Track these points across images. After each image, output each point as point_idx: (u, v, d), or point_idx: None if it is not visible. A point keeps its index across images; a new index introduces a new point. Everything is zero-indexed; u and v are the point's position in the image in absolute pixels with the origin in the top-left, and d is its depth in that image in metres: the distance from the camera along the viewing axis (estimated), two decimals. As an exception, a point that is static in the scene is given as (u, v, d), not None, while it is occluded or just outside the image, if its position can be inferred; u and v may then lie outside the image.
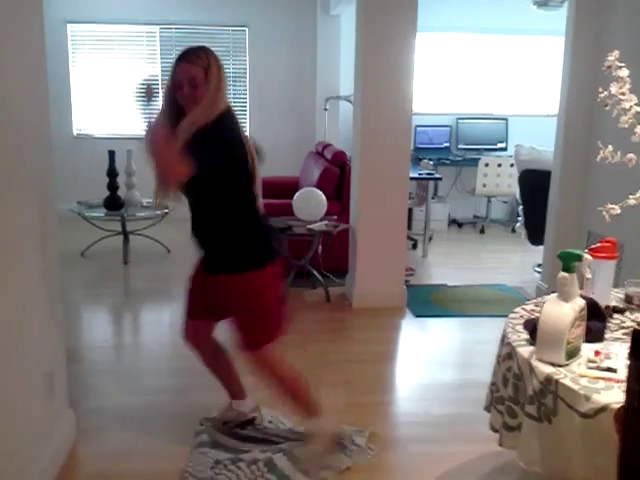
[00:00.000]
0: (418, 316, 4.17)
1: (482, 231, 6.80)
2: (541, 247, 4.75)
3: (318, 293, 4.53)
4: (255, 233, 2.36)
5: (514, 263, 5.53)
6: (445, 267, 5.51)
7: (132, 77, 6.97)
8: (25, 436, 2.13)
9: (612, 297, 2.20)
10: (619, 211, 2.04)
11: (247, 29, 6.97)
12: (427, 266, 5.52)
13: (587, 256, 1.93)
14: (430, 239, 5.98)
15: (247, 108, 7.05)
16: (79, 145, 6.89)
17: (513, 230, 6.67)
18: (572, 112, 4.21)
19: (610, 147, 2.08)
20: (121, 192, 5.45)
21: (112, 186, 5.39)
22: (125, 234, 5.45)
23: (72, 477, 2.38)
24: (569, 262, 1.77)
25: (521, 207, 5.26)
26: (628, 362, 1.24)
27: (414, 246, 5.93)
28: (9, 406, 2.00)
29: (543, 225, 4.61)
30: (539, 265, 4.89)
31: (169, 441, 2.63)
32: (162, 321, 4.31)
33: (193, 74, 2.20)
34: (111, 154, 5.41)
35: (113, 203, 5.38)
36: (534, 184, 4.98)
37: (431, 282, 4.99)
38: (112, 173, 5.39)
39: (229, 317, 2.38)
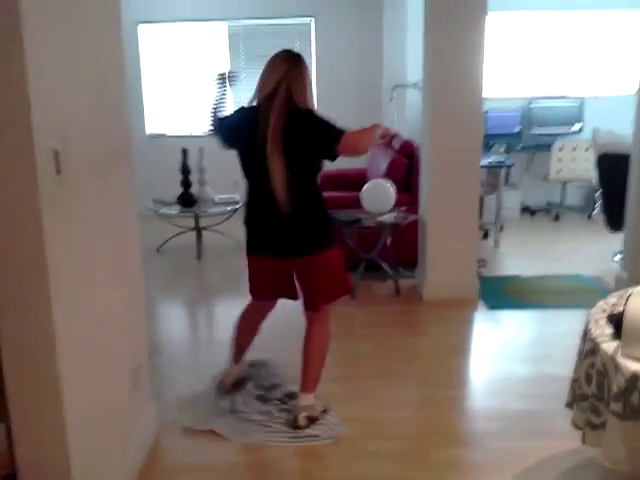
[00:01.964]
0: (492, 308, 4.09)
1: (556, 218, 6.58)
2: (620, 234, 4.56)
3: (388, 286, 4.51)
4: (327, 213, 2.71)
5: (591, 252, 5.32)
6: (518, 257, 5.37)
7: (201, 74, 7.11)
8: (113, 429, 2.23)
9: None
10: None
11: (313, 19, 6.98)
12: (499, 256, 5.40)
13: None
14: (502, 228, 5.84)
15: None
16: (152, 144, 7.10)
17: (589, 217, 6.43)
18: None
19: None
20: (194, 189, 5.60)
21: (185, 183, 5.54)
22: (198, 230, 5.59)
23: (156, 468, 2.48)
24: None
25: (599, 192, 5.06)
26: None
27: (485, 236, 5.81)
28: (98, 400, 2.09)
29: (623, 211, 4.41)
30: (618, 253, 4.70)
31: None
32: (235, 314, 4.39)
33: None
34: (184, 152, 5.56)
35: (186, 200, 5.54)
36: (613, 168, 4.78)
37: (504, 273, 4.88)
38: (185, 171, 5.54)
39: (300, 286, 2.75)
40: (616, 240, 4.71)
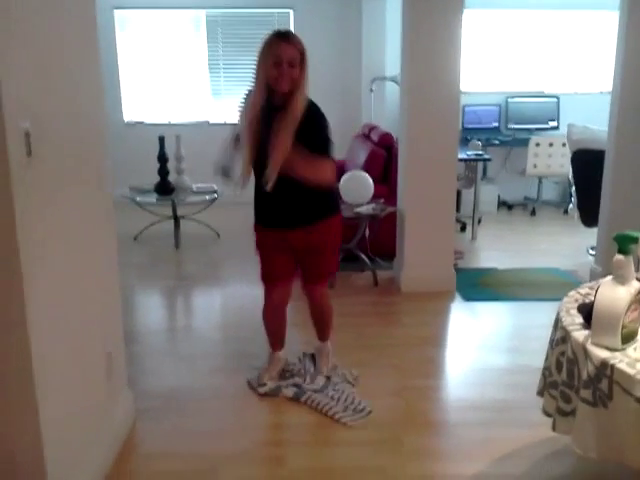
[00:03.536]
0: (468, 300, 4.14)
1: (533, 213, 6.66)
2: (594, 229, 4.63)
3: (366, 277, 4.54)
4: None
5: (567, 246, 5.40)
6: (495, 250, 5.43)
7: (179, 61, 7.05)
8: (87, 414, 2.22)
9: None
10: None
11: (292, 11, 6.96)
12: (476, 249, 5.46)
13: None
14: (479, 221, 5.89)
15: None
16: (129, 132, 7.03)
17: (565, 212, 6.52)
18: (627, 89, 4.07)
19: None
20: (171, 177, 5.56)
21: (162, 172, 5.50)
22: (176, 219, 5.56)
23: (132, 456, 2.47)
24: (625, 244, 1.73)
25: (574, 188, 5.12)
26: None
27: (463, 229, 5.87)
28: (72, 386, 2.08)
29: (597, 206, 4.48)
30: (593, 248, 4.77)
31: (224, 421, 2.71)
32: (214, 304, 4.40)
33: (293, 55, 2.44)
34: (161, 140, 5.52)
35: (164, 188, 5.50)
36: (587, 164, 4.84)
37: (481, 265, 4.93)
38: (162, 159, 5.50)
39: (305, 262, 2.83)
40: (591, 235, 4.79)
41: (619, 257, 1.73)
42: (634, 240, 1.76)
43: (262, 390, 2.91)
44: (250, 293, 4.29)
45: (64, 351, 2.02)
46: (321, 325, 3.08)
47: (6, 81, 1.60)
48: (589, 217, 4.82)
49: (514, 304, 4.11)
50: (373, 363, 3.23)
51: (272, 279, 2.87)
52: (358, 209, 4.40)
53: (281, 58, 2.43)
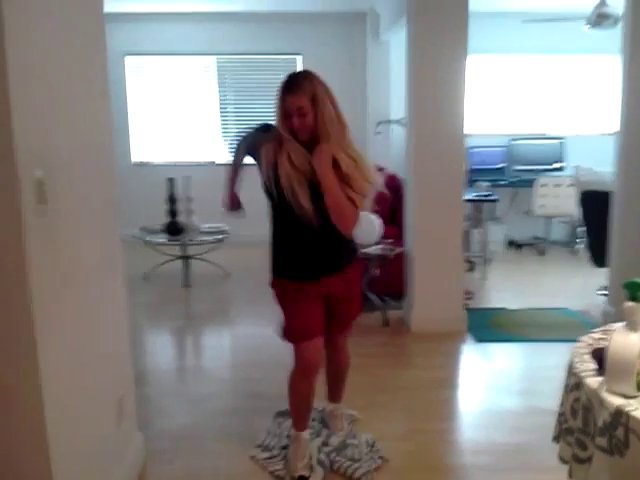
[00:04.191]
0: (479, 341, 4.12)
1: (542, 253, 6.66)
2: (605, 269, 4.63)
3: (376, 317, 4.53)
4: None
5: (576, 286, 5.39)
6: (505, 290, 5.42)
7: (189, 105, 7.20)
8: (97, 459, 2.21)
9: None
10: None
11: (300, 56, 7.13)
12: (486, 289, 5.45)
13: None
14: (489, 262, 5.90)
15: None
16: (138, 173, 7.14)
17: (575, 251, 6.52)
18: (631, 131, 4.12)
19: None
20: (180, 218, 5.61)
21: (172, 212, 5.56)
22: (185, 258, 5.60)
23: (142, 499, 2.46)
24: (635, 291, 1.74)
25: (584, 229, 5.14)
26: None
27: (472, 269, 5.87)
28: (83, 431, 2.08)
29: (606, 247, 4.49)
30: (602, 288, 4.76)
31: (234, 462, 2.69)
32: (223, 343, 4.40)
33: (300, 104, 2.31)
34: (170, 181, 5.59)
35: (173, 228, 5.55)
36: (596, 205, 4.87)
37: (491, 305, 4.92)
38: (172, 199, 5.57)
39: (339, 310, 2.63)
40: (600, 274, 4.78)
41: (630, 304, 1.74)
42: (643, 286, 1.77)
43: None
44: (259, 332, 4.32)
45: (75, 398, 2.02)
46: (338, 381, 2.87)
47: (19, 129, 1.63)
48: (600, 257, 4.82)
49: (525, 345, 4.09)
50: (385, 405, 3.20)
51: (310, 334, 2.47)
52: (367, 250, 4.43)
53: (289, 111, 2.32)
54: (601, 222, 4.61)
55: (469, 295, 4.81)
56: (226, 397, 3.39)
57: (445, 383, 3.52)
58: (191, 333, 4.54)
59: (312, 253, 2.45)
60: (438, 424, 3.02)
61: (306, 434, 2.65)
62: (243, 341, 4.35)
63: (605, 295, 4.59)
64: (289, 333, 2.51)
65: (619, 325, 1.77)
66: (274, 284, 2.54)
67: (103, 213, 2.35)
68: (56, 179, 1.86)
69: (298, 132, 2.34)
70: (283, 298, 2.51)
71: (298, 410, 2.62)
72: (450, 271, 4.29)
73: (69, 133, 2.02)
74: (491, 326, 4.41)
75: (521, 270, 6.08)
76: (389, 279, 4.68)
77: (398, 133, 6.24)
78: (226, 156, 7.20)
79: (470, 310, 4.52)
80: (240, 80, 7.21)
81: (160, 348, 4.30)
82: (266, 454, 2.72)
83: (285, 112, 2.33)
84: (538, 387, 3.41)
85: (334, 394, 2.91)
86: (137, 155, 7.27)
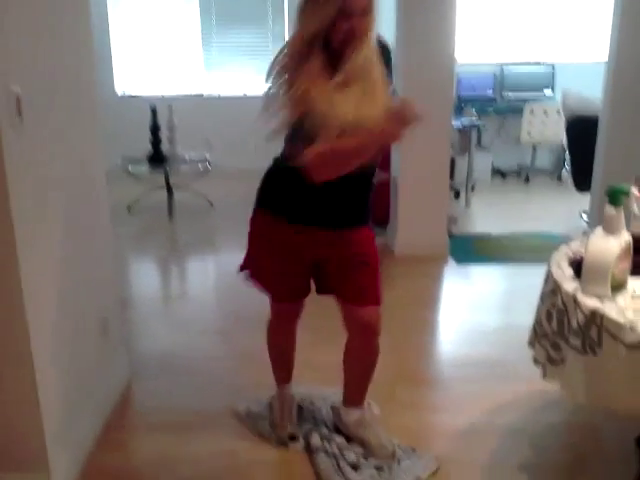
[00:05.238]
0: (461, 263, 4.16)
1: (527, 180, 6.66)
2: (587, 195, 4.65)
3: (360, 243, 4.55)
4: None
5: (560, 211, 5.42)
6: (488, 217, 5.44)
7: (171, 34, 6.98)
8: (82, 375, 2.24)
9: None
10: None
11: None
12: (470, 216, 5.48)
13: (635, 192, 1.89)
14: (473, 189, 5.90)
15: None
16: (121, 103, 6.97)
17: (559, 178, 6.54)
18: (622, 56, 4.07)
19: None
20: (163, 147, 5.53)
21: (155, 141, 5.47)
22: (169, 188, 5.54)
23: (128, 411, 2.52)
24: (616, 196, 1.75)
25: (568, 154, 5.13)
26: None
27: (457, 196, 5.87)
28: (67, 347, 2.10)
29: (590, 172, 4.49)
30: (585, 212, 4.80)
31: (218, 381, 2.74)
32: (208, 271, 4.42)
33: (365, 1, 1.79)
34: (153, 110, 5.47)
35: (156, 157, 5.47)
36: (582, 131, 4.84)
37: (474, 231, 4.95)
38: (155, 128, 5.46)
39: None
40: (584, 200, 4.80)
41: (610, 209, 1.75)
42: (625, 193, 1.78)
43: (294, 445, 2.27)
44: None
45: (59, 315, 2.04)
46: (354, 377, 2.27)
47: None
48: (582, 182, 4.83)
49: (507, 267, 4.14)
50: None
51: (295, 295, 2.20)
52: (352, 175, 4.40)
53: (351, 9, 1.75)
54: (586, 147, 4.60)
55: (453, 221, 4.83)
56: (212, 319, 3.43)
57: (426, 303, 3.58)
58: (176, 261, 4.54)
59: (325, 197, 1.96)
60: (418, 339, 3.08)
61: (289, 387, 2.40)
62: (228, 269, 4.32)
63: (587, 221, 4.63)
64: (273, 288, 2.17)
65: (598, 229, 1.79)
66: (260, 220, 2.06)
67: (85, 140, 2.31)
68: (34, 99, 1.83)
69: (350, 37, 1.78)
70: (272, 244, 2.06)
71: (275, 361, 2.38)
72: (435, 197, 4.29)
73: (49, 56, 1.97)
74: (473, 250, 4.45)
75: (505, 197, 6.10)
76: (374, 206, 4.66)
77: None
78: (211, 88, 7.05)
79: (453, 235, 4.55)
80: (224, 8, 6.94)
81: (145, 276, 4.31)
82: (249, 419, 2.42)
83: (343, 10, 1.74)
84: (518, 305, 3.47)
85: (347, 393, 2.29)
86: (121, 86, 7.08)
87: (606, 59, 4.24)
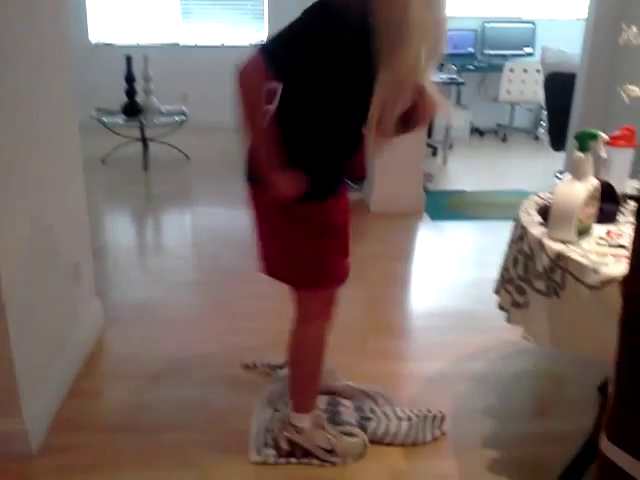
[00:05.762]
0: (436, 219, 4.19)
1: (504, 139, 6.68)
2: (563, 154, 4.68)
3: (336, 198, 4.55)
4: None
5: (536, 170, 5.45)
6: (465, 174, 5.46)
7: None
8: (55, 320, 2.24)
9: (628, 186, 2.18)
10: (640, 94, 1.99)
11: None
12: (446, 173, 5.49)
13: (603, 135, 1.91)
14: (451, 147, 5.90)
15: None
16: (95, 52, 6.78)
17: (536, 138, 6.56)
18: (601, 13, 4.05)
19: (634, 29, 2.01)
20: (139, 99, 5.43)
21: (130, 92, 5.36)
22: (144, 141, 5.46)
23: (102, 359, 2.52)
24: (584, 141, 1.76)
25: (545, 113, 5.14)
26: (634, 222, 1.24)
27: (434, 153, 5.87)
28: (39, 291, 2.10)
29: (566, 130, 4.52)
30: (561, 172, 4.83)
31: (192, 330, 2.76)
32: (184, 222, 4.40)
33: None
34: (128, 59, 5.35)
35: (131, 109, 5.37)
36: (560, 88, 4.84)
37: (450, 188, 4.97)
38: (129, 78, 5.35)
39: None
40: (560, 159, 4.84)
41: (578, 154, 1.76)
42: (593, 137, 1.79)
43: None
44: (221, 213, 4.33)
45: (32, 259, 2.02)
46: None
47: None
48: (559, 141, 4.86)
49: (481, 223, 4.17)
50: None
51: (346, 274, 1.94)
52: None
53: None
54: (563, 105, 4.61)
55: (429, 177, 4.84)
56: (187, 271, 3.42)
57: (399, 257, 3.60)
58: (151, 213, 4.50)
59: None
60: (391, 292, 3.12)
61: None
62: (204, 221, 4.35)
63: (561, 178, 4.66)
64: (334, 271, 1.90)
65: (565, 176, 1.80)
66: (325, 203, 1.75)
67: (57, 89, 2.26)
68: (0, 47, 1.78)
69: None
70: (337, 222, 1.84)
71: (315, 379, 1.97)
72: (411, 154, 4.26)
73: (17, 1, 1.90)
74: (448, 206, 4.47)
75: (482, 156, 6.11)
76: (351, 162, 4.65)
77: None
78: (187, 37, 6.88)
79: (429, 192, 4.56)
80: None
81: (120, 227, 4.28)
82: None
83: None
84: (489, 260, 3.47)
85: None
86: (95, 35, 6.88)
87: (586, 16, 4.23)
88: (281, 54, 1.54)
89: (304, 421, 1.94)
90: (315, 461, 1.95)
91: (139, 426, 2.12)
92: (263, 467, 1.94)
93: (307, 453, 1.96)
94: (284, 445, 1.97)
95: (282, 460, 1.96)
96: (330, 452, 1.96)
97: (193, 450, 2.00)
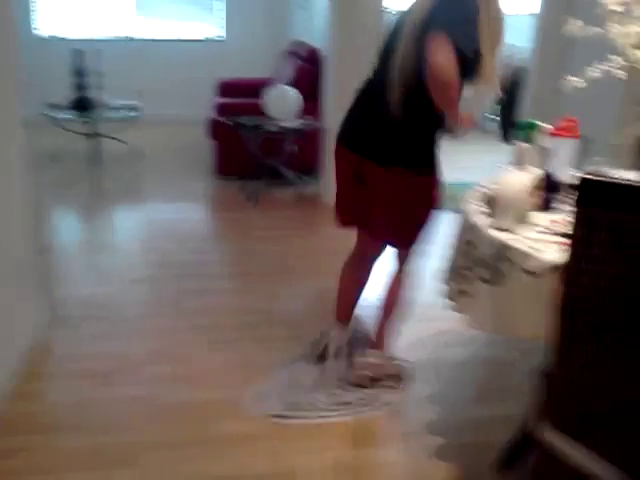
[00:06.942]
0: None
1: (458, 134, 6.76)
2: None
3: (291, 193, 4.54)
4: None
5: (484, 162, 5.52)
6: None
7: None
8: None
9: (571, 176, 2.22)
10: (585, 84, 2.02)
11: None
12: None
13: (545, 125, 1.94)
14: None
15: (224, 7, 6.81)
16: (43, 46, 6.61)
17: (485, 130, 6.67)
18: (551, 8, 4.13)
19: (580, 22, 2.05)
20: (90, 94, 5.30)
21: (80, 86, 5.23)
22: (95, 136, 5.34)
23: (46, 359, 2.45)
24: (524, 130, 1.79)
25: (497, 107, 5.23)
26: (574, 210, 1.26)
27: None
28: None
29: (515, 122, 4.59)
30: (508, 163, 4.91)
31: (140, 327, 2.71)
32: (134, 219, 4.32)
33: None
34: (79, 53, 5.22)
35: (82, 104, 5.24)
36: (512, 82, 4.93)
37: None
38: (79, 72, 5.22)
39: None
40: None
41: (520, 144, 1.79)
42: (531, 126, 1.82)
43: None
44: (171, 209, 4.28)
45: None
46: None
47: None
48: (511, 134, 4.94)
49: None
50: (291, 269, 3.29)
51: (342, 219, 2.62)
52: (285, 124, 4.34)
53: None
54: (515, 99, 4.69)
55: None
56: (137, 267, 3.36)
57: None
58: (101, 210, 4.40)
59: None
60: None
61: (340, 329, 2.51)
62: (155, 217, 4.27)
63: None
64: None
65: (510, 167, 1.83)
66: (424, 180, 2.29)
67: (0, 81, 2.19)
68: None
69: None
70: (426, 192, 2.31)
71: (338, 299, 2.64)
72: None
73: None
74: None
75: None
76: (306, 155, 4.65)
77: (322, 6, 5.99)
78: (142, 31, 6.76)
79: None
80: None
81: (68, 224, 4.18)
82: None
83: None
84: (436, 251, 3.53)
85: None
86: (42, 27, 6.68)
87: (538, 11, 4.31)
88: (473, 37, 1.85)
89: (382, 356, 2.35)
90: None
91: (84, 427, 2.07)
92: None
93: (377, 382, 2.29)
94: (367, 383, 2.28)
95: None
96: (398, 378, 2.35)
97: (136, 449, 1.97)
